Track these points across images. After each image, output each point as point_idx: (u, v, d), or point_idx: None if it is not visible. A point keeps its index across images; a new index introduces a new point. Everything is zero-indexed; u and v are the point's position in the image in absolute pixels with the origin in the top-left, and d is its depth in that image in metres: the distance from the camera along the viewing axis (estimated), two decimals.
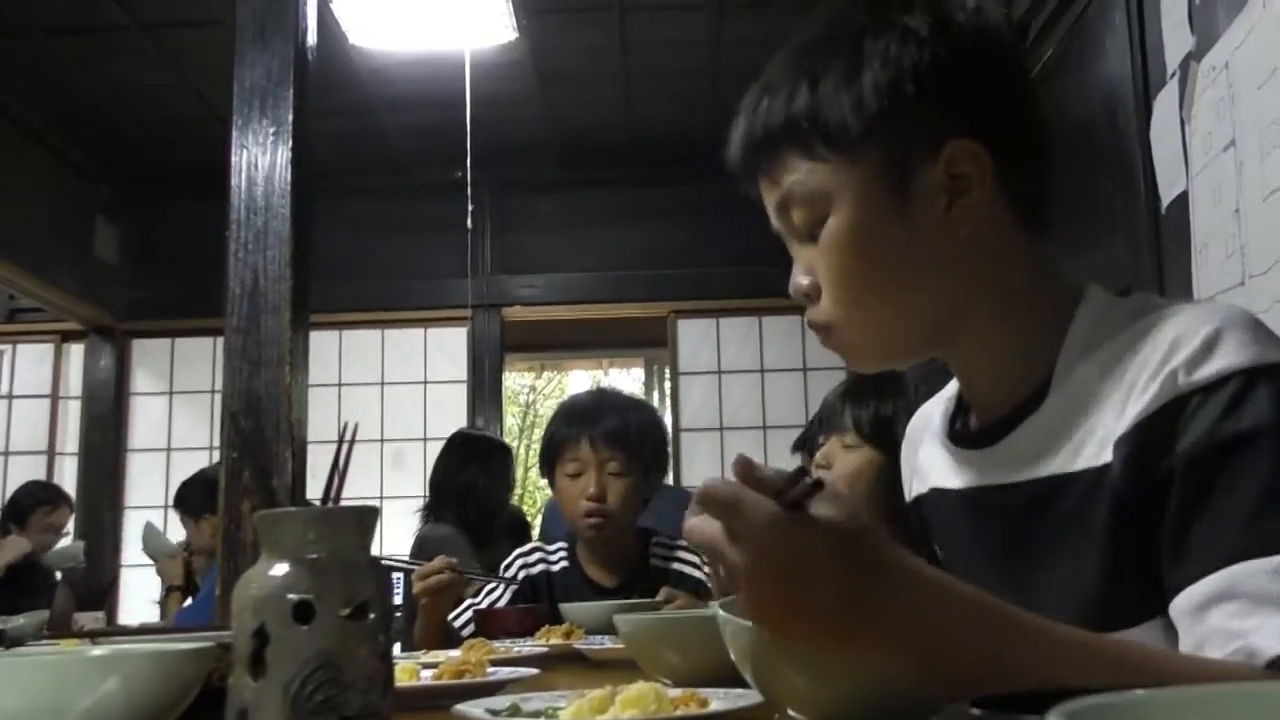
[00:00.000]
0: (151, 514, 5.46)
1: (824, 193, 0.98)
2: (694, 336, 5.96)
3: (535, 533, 4.63)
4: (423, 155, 5.64)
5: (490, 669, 1.36)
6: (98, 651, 0.90)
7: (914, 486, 1.20)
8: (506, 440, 4.66)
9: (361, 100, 5.11)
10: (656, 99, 5.29)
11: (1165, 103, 2.51)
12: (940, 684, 0.75)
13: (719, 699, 1.01)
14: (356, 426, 0.84)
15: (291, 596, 0.73)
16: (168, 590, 4.21)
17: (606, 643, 1.85)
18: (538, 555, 2.49)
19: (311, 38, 2.62)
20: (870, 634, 0.75)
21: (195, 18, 4.41)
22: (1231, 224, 2.20)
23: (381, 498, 5.57)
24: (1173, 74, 2.47)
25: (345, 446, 0.82)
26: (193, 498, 4.10)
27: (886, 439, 1.74)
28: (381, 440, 5.82)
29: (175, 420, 6.02)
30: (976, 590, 0.78)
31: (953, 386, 1.14)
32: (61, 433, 6.02)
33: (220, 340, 2.55)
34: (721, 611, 0.86)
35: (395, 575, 2.54)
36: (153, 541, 4.34)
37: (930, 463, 1.14)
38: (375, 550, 0.80)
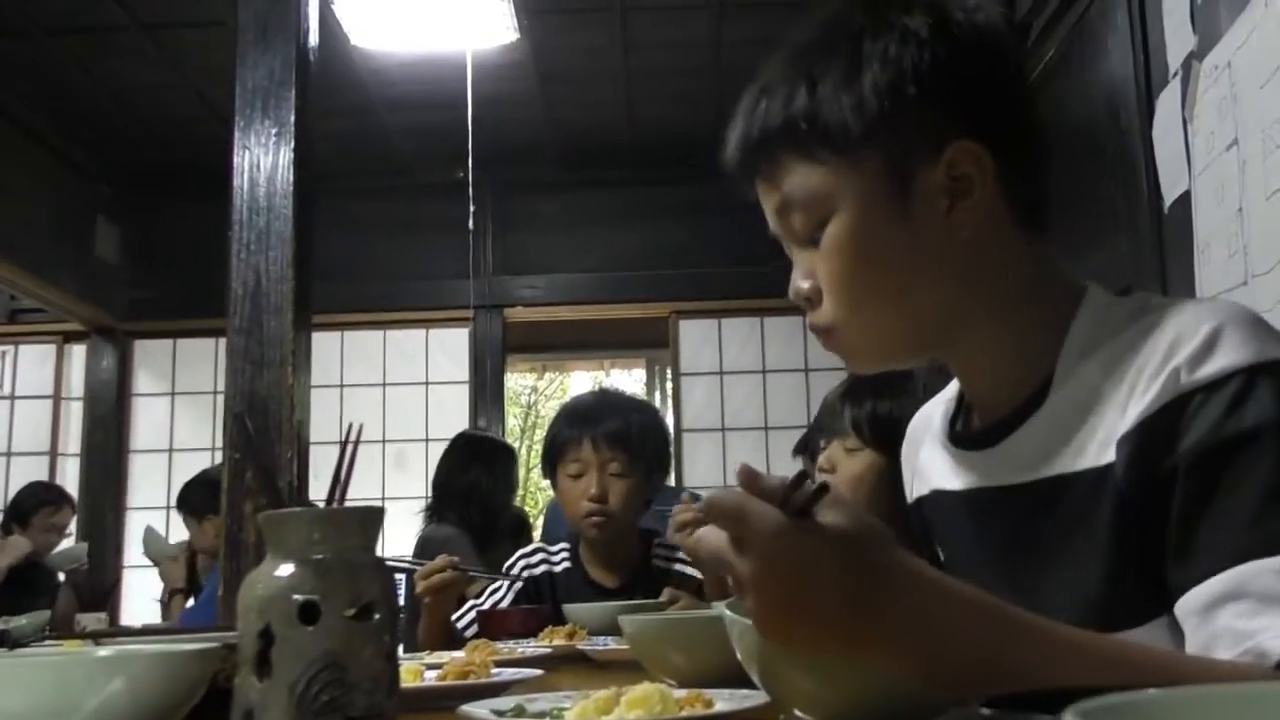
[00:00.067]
0: (153, 515, 5.46)
1: (824, 196, 0.97)
2: (695, 337, 5.96)
3: (537, 534, 4.63)
4: (424, 156, 5.64)
5: (494, 670, 1.36)
6: (103, 652, 0.90)
7: (915, 487, 1.20)
8: (508, 441, 4.66)
9: (363, 101, 5.11)
10: (658, 99, 5.29)
11: (1167, 102, 2.51)
12: (944, 686, 0.75)
13: (724, 700, 1.01)
14: (361, 427, 0.84)
15: (297, 597, 0.73)
16: (170, 593, 4.21)
17: (610, 643, 1.84)
18: (540, 556, 2.49)
19: (313, 39, 2.62)
20: (874, 638, 0.75)
21: (196, 18, 4.41)
22: (1234, 223, 2.20)
23: (383, 498, 5.57)
24: (1175, 73, 2.47)
25: (350, 447, 0.82)
26: (195, 499, 4.10)
27: (887, 440, 1.74)
28: (383, 441, 5.82)
29: (177, 421, 6.02)
30: (979, 592, 0.78)
31: (953, 387, 1.14)
32: (63, 434, 6.02)
33: (222, 341, 2.55)
34: (728, 612, 0.86)
35: (397, 576, 2.54)
36: (153, 545, 4.34)
37: (931, 464, 1.14)
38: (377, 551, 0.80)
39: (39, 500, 4.79)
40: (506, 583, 2.45)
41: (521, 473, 4.80)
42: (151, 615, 4.44)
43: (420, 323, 6.02)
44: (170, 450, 5.96)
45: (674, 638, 1.34)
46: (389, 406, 5.95)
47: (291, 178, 2.49)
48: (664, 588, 2.30)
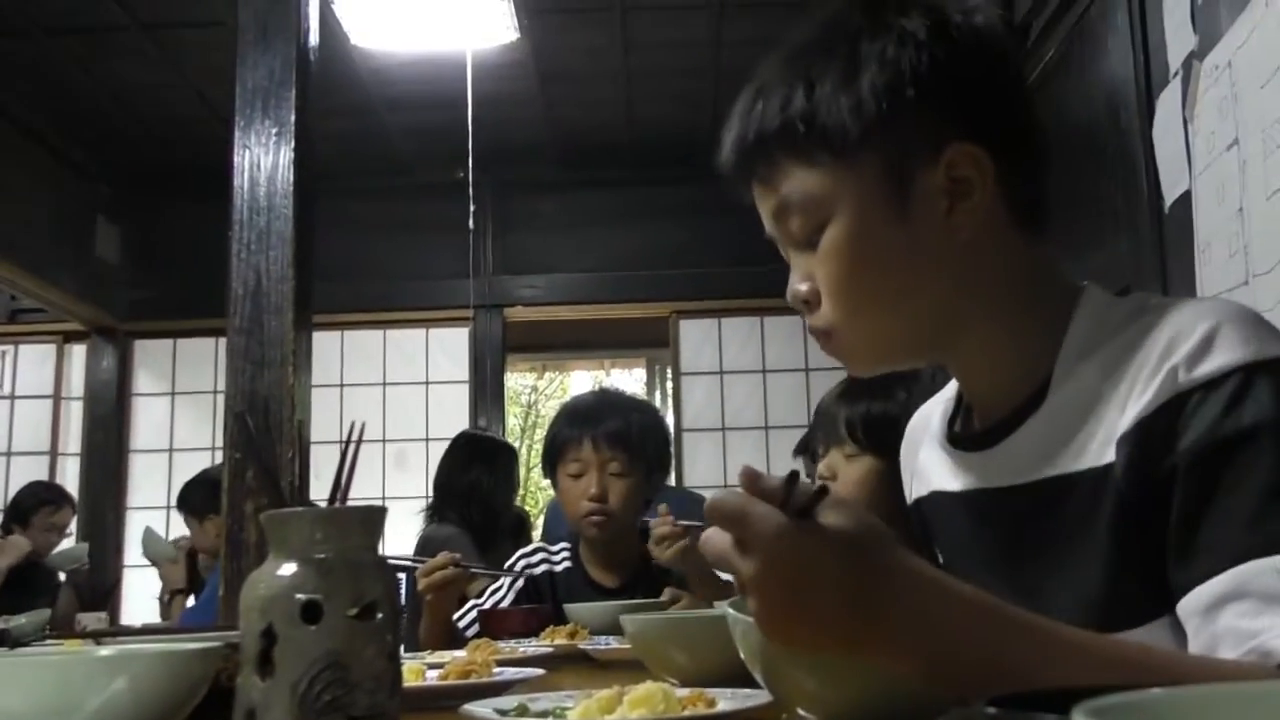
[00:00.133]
0: (154, 514, 5.46)
1: (822, 199, 0.97)
2: (696, 337, 5.96)
3: (537, 533, 4.63)
4: (424, 156, 5.65)
5: (496, 669, 1.36)
6: (105, 651, 0.90)
7: (914, 488, 1.20)
8: (509, 441, 4.66)
9: (363, 101, 5.11)
10: (658, 99, 5.29)
11: (1168, 102, 2.51)
12: (946, 685, 0.75)
13: (727, 699, 1.01)
14: (363, 426, 0.84)
15: (299, 596, 0.73)
16: (171, 594, 4.21)
17: (611, 643, 1.85)
18: (540, 555, 2.49)
19: (313, 38, 2.62)
20: (875, 638, 0.75)
21: (196, 18, 4.41)
22: (1235, 223, 2.20)
23: (384, 498, 5.57)
24: (1175, 73, 2.47)
25: (352, 446, 0.82)
26: (196, 498, 4.10)
27: (884, 442, 1.74)
28: (384, 441, 5.82)
29: (177, 421, 6.02)
30: (980, 592, 0.78)
31: (952, 387, 1.13)
32: (64, 433, 6.02)
33: (222, 341, 2.55)
34: (730, 611, 0.86)
35: (399, 575, 2.54)
36: (152, 546, 4.34)
37: (930, 465, 1.14)
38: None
39: (39, 500, 4.78)
40: (507, 582, 2.45)
41: (522, 472, 4.80)
42: (152, 615, 4.43)
43: (420, 322, 6.02)
44: (170, 450, 5.96)
45: (676, 637, 1.34)
46: (389, 406, 5.95)
47: (292, 177, 2.49)
48: (664, 587, 2.30)
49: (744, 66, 1.05)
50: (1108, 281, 1.02)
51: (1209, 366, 0.86)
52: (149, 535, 4.38)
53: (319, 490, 0.79)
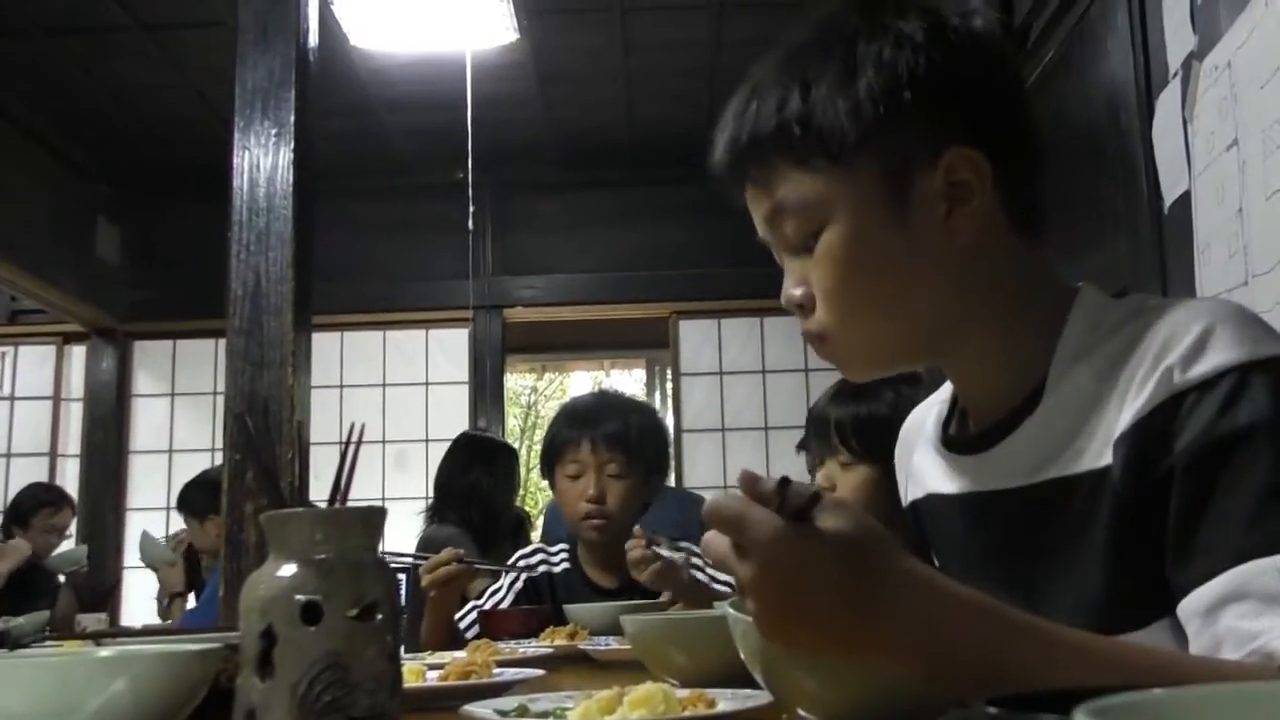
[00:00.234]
0: (153, 515, 5.46)
1: (818, 203, 0.96)
2: (695, 337, 5.96)
3: (536, 534, 4.63)
4: (424, 156, 5.64)
5: (496, 670, 1.36)
6: (105, 652, 0.90)
7: (910, 491, 1.19)
8: (509, 441, 4.66)
9: (363, 101, 5.11)
10: (658, 99, 5.29)
11: (1167, 103, 2.51)
12: (946, 687, 0.75)
13: (727, 699, 1.01)
14: (363, 427, 0.84)
15: (299, 597, 0.73)
16: (170, 597, 4.20)
17: (611, 643, 1.85)
18: (539, 556, 2.49)
19: (313, 39, 2.62)
20: (874, 639, 0.75)
21: (196, 19, 4.41)
22: (1234, 224, 2.20)
23: (383, 499, 5.57)
24: (1175, 74, 2.47)
25: (352, 447, 0.82)
26: (196, 499, 4.10)
27: (878, 447, 1.74)
28: (383, 442, 5.82)
29: (177, 422, 6.02)
30: (979, 593, 0.78)
31: (946, 389, 1.13)
32: (63, 434, 6.02)
33: (222, 342, 2.55)
34: (731, 611, 0.86)
35: (399, 576, 2.54)
36: (149, 551, 4.33)
37: (924, 468, 1.14)
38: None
39: (39, 501, 4.78)
40: (506, 583, 2.45)
41: (522, 473, 4.80)
42: (152, 616, 4.43)
43: (420, 323, 6.02)
44: (170, 451, 5.96)
45: (676, 638, 1.34)
46: (389, 407, 5.95)
47: (291, 178, 2.49)
48: None
49: (743, 67, 1.04)
50: (1107, 282, 1.02)
51: (1204, 367, 0.86)
52: (146, 540, 4.38)
53: (319, 491, 0.79)
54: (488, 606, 2.40)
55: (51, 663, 0.87)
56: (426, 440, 5.87)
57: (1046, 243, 1.02)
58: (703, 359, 5.95)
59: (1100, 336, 0.95)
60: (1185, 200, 2.43)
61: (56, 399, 6.01)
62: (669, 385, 6.25)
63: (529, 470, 8.71)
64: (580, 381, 11.10)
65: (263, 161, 2.50)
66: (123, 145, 5.57)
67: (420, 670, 1.35)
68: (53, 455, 5.95)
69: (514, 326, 6.05)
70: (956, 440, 1.07)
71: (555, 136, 5.65)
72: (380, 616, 0.74)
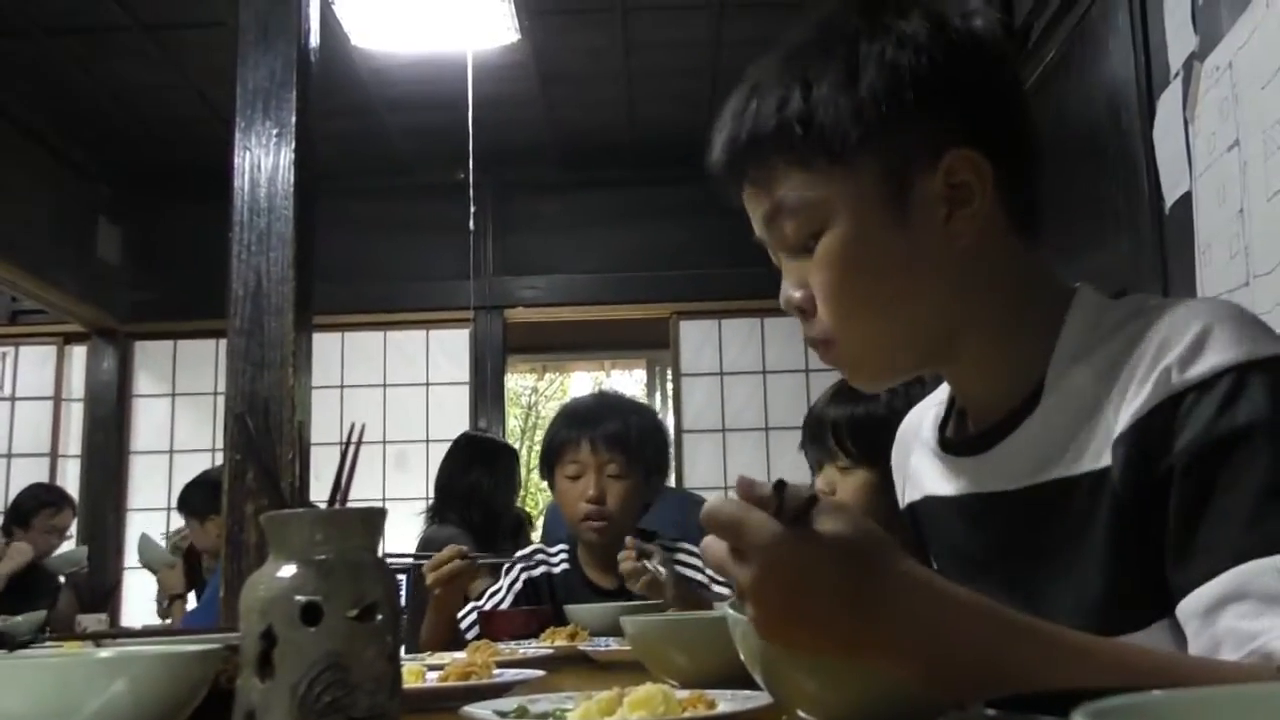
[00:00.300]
0: (154, 516, 5.46)
1: (818, 204, 0.96)
2: (696, 338, 5.96)
3: (536, 535, 4.63)
4: (425, 156, 5.64)
5: (496, 671, 1.36)
6: (105, 653, 0.90)
7: (907, 493, 1.19)
8: (509, 442, 4.66)
9: (364, 101, 5.11)
10: (658, 99, 5.29)
11: (1168, 103, 2.51)
12: (945, 688, 0.75)
13: (727, 700, 1.00)
14: (364, 428, 0.84)
15: (299, 598, 0.73)
16: (170, 599, 4.20)
17: (611, 644, 1.84)
18: (539, 557, 2.49)
19: (314, 39, 2.62)
20: (874, 642, 0.75)
21: (197, 19, 4.41)
22: (1235, 224, 2.20)
23: (384, 499, 5.57)
24: (1176, 74, 2.47)
25: (352, 448, 0.82)
26: (196, 500, 4.10)
27: (875, 450, 1.74)
28: (384, 442, 5.82)
29: (178, 422, 6.02)
30: (978, 595, 0.77)
31: (942, 391, 1.13)
32: (64, 435, 6.02)
33: (223, 342, 2.55)
34: (730, 612, 0.86)
35: (399, 576, 2.54)
36: (149, 553, 4.33)
37: (922, 470, 1.13)
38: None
39: (39, 502, 4.78)
40: (506, 584, 2.45)
41: (522, 473, 4.81)
42: (152, 617, 4.43)
43: (421, 323, 6.02)
44: (171, 451, 5.96)
45: (676, 638, 1.34)
46: (389, 407, 5.95)
47: (292, 178, 2.49)
48: None
49: (744, 67, 1.04)
50: (1108, 282, 1.01)
51: (1202, 367, 0.86)
52: (145, 542, 4.38)
53: (319, 491, 0.79)
54: (487, 607, 2.40)
55: (51, 663, 0.87)
56: (427, 441, 5.87)
57: (1045, 243, 1.02)
58: (703, 359, 5.94)
59: (1099, 337, 0.95)
60: (1186, 201, 2.43)
61: (57, 399, 6.02)
62: (669, 386, 6.25)
63: (529, 471, 8.72)
64: (581, 382, 11.10)
65: (264, 162, 2.51)
66: (123, 145, 5.57)
67: (420, 671, 1.35)
68: (53, 456, 5.95)
69: (515, 327, 6.05)
70: (954, 442, 1.07)
71: (556, 137, 5.65)
72: (380, 617, 0.74)
